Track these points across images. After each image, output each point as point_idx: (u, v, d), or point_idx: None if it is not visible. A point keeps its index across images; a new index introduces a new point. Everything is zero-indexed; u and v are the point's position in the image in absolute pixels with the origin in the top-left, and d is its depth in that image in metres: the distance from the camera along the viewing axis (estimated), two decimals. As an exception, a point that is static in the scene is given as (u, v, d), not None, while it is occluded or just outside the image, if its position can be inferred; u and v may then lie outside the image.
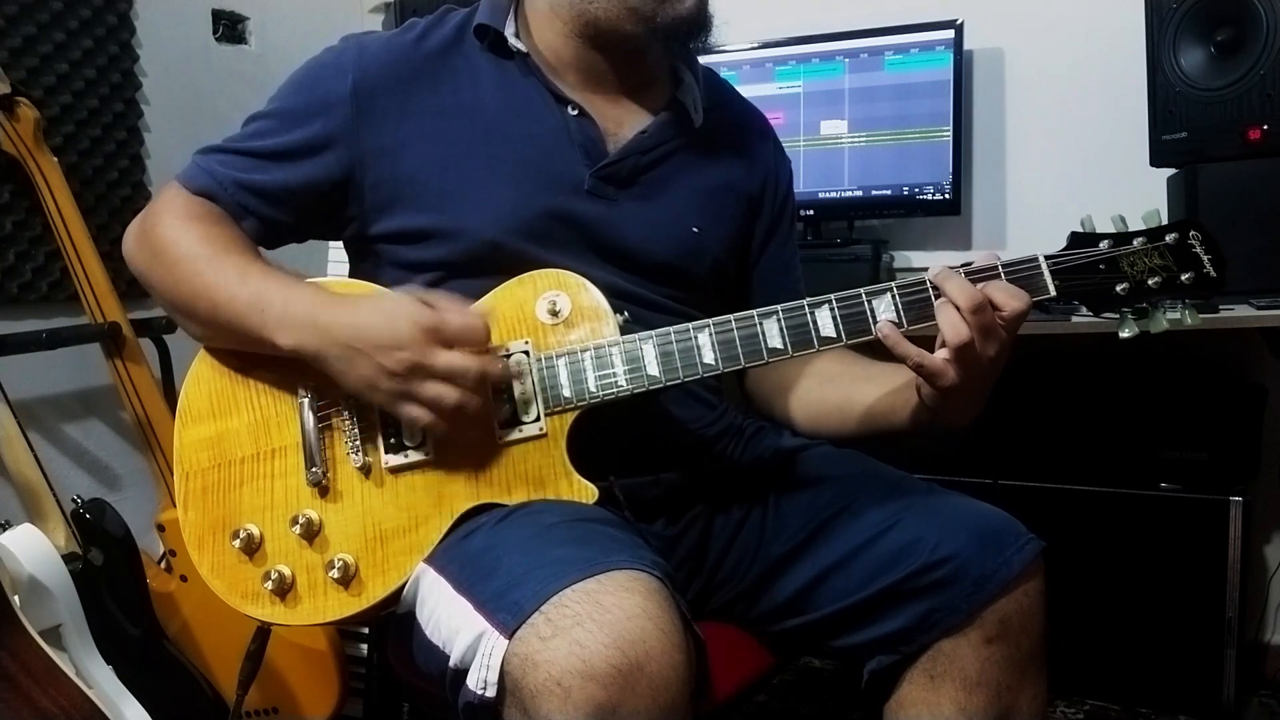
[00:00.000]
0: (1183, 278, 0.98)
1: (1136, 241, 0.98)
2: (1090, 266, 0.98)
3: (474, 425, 0.96)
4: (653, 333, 1.00)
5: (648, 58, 1.15)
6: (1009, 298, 0.93)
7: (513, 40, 1.12)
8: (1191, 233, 0.98)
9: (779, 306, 0.99)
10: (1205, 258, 0.98)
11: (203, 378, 1.05)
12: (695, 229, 1.16)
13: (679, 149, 1.16)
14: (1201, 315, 0.99)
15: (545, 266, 1.05)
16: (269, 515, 1.01)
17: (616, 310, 1.02)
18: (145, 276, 1.08)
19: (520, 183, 1.08)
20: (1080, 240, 0.99)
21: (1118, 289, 0.98)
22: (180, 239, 1.04)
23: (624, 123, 1.14)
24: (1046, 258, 0.98)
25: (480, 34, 1.12)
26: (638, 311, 1.06)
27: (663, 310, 1.12)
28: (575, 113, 1.11)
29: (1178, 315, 0.99)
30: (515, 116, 1.10)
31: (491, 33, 1.12)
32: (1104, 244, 0.98)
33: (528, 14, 1.14)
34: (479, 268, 1.06)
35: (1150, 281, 0.98)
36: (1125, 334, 1.00)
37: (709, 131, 1.18)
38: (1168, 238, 0.98)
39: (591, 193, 1.10)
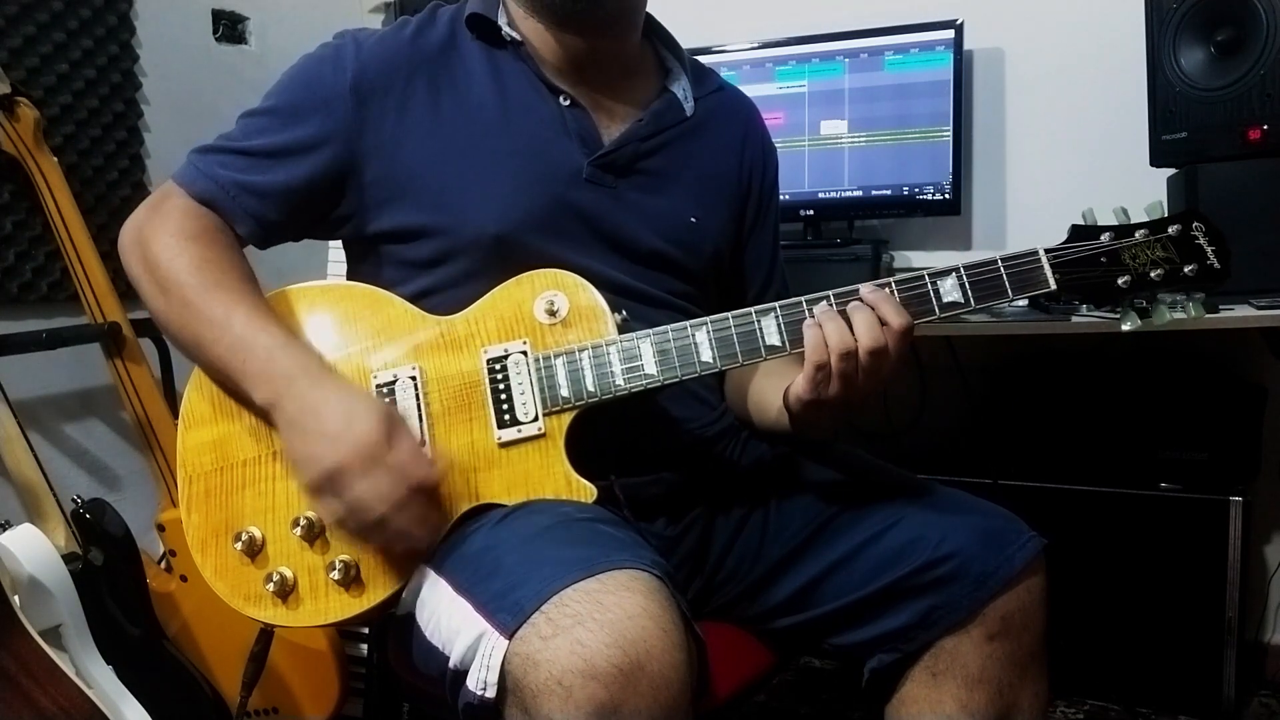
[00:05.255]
0: (1186, 269, 0.97)
1: (1139, 233, 0.97)
2: (1091, 259, 0.97)
3: (390, 543, 0.95)
4: (650, 331, 1.00)
5: (624, 42, 1.14)
6: (866, 331, 0.94)
7: (506, 29, 1.11)
8: (1195, 224, 0.97)
9: (776, 304, 0.99)
10: (1209, 249, 0.96)
11: (205, 382, 1.05)
12: (693, 219, 1.16)
13: (674, 138, 1.16)
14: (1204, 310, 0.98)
15: (550, 258, 1.04)
16: (270, 517, 1.01)
17: (614, 309, 1.02)
18: (137, 284, 1.06)
19: (519, 175, 1.07)
20: (1081, 233, 0.98)
21: (1119, 282, 0.97)
22: (174, 260, 1.02)
23: (616, 112, 1.14)
24: (1046, 251, 0.97)
25: (473, 24, 1.12)
26: (636, 307, 1.06)
27: (661, 305, 1.11)
28: (568, 103, 1.11)
29: (1182, 313, 0.98)
30: (510, 109, 1.10)
31: (485, 23, 1.11)
32: (1105, 236, 0.97)
33: (509, 5, 1.14)
34: (481, 265, 1.05)
35: (1153, 274, 0.97)
36: (1127, 326, 0.99)
37: (699, 120, 1.19)
38: (1170, 229, 0.97)
39: (590, 181, 1.10)
